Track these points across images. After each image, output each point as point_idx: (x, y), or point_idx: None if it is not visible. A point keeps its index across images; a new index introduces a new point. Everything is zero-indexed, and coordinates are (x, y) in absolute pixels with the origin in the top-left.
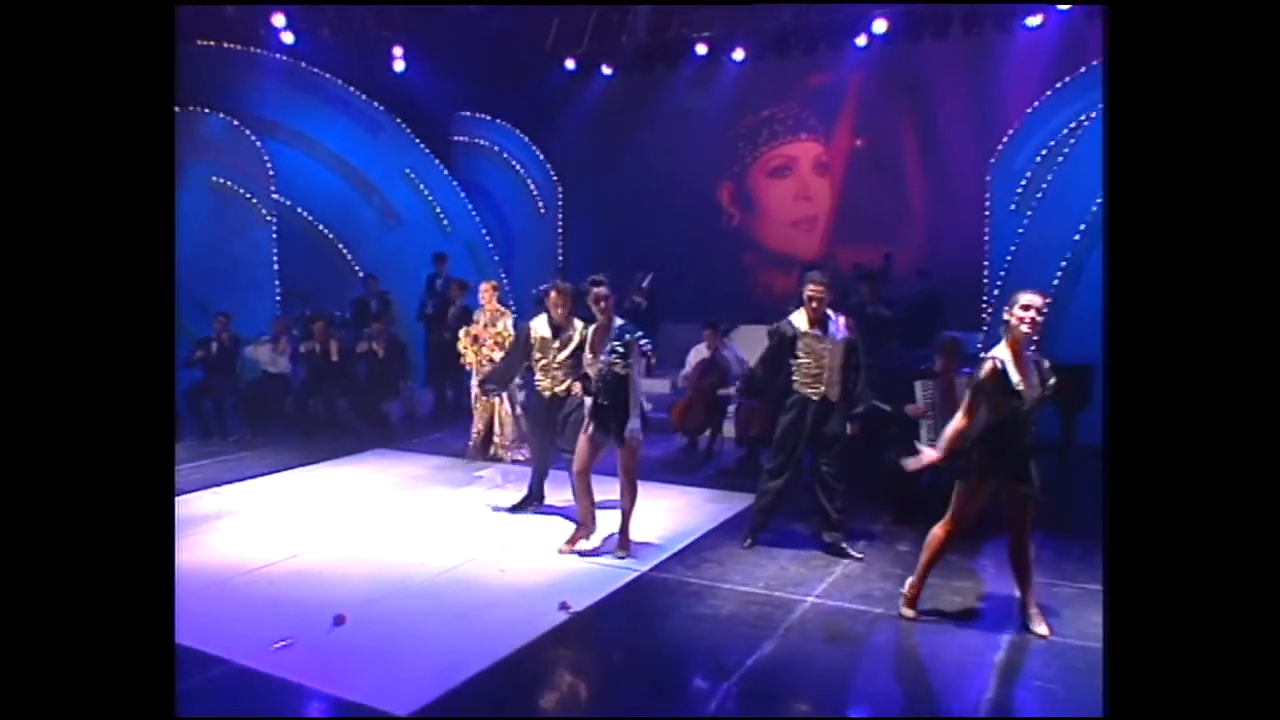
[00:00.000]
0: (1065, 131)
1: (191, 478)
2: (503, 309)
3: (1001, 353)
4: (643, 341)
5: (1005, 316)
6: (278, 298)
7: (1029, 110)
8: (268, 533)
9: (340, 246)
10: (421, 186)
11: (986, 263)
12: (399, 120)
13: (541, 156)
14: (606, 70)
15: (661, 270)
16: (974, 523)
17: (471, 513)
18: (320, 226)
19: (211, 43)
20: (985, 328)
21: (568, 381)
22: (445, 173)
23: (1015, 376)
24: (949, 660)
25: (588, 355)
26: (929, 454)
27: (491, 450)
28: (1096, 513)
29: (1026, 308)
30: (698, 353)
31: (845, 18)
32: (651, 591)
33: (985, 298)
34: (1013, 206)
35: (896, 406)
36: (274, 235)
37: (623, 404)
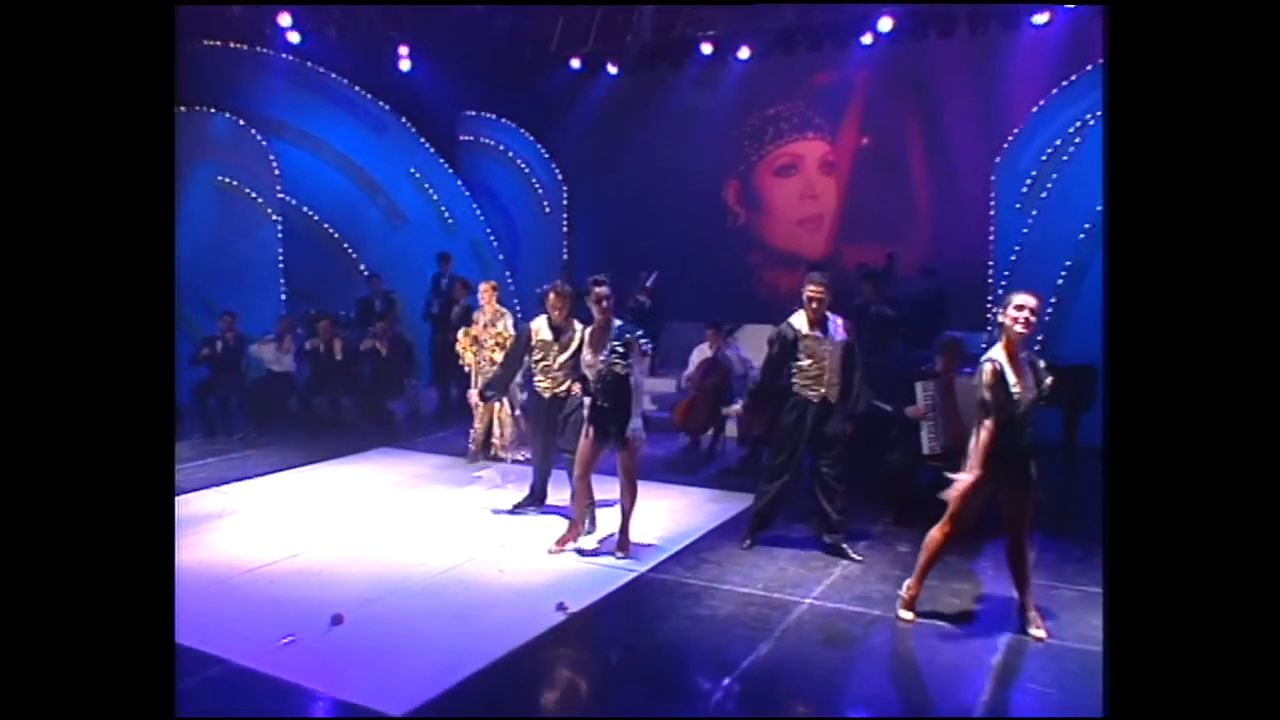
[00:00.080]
0: (1071, 130)
1: (196, 476)
2: (502, 309)
3: (997, 354)
4: (642, 341)
5: (1000, 318)
6: (283, 297)
7: (1034, 109)
8: (269, 532)
9: (345, 246)
10: (427, 186)
11: (991, 262)
12: (404, 120)
13: (546, 156)
14: (612, 69)
15: (666, 269)
16: (972, 525)
17: (472, 512)
18: (326, 226)
19: (218, 43)
20: (989, 328)
21: (568, 382)
22: (450, 172)
23: (1011, 378)
24: (945, 663)
25: (587, 355)
26: (966, 478)
27: (491, 451)
28: (1098, 515)
29: (1020, 308)
30: (700, 352)
31: (850, 16)
32: (649, 592)
33: (990, 297)
34: (1018, 206)
35: (898, 407)
36: (279, 234)
37: (622, 405)
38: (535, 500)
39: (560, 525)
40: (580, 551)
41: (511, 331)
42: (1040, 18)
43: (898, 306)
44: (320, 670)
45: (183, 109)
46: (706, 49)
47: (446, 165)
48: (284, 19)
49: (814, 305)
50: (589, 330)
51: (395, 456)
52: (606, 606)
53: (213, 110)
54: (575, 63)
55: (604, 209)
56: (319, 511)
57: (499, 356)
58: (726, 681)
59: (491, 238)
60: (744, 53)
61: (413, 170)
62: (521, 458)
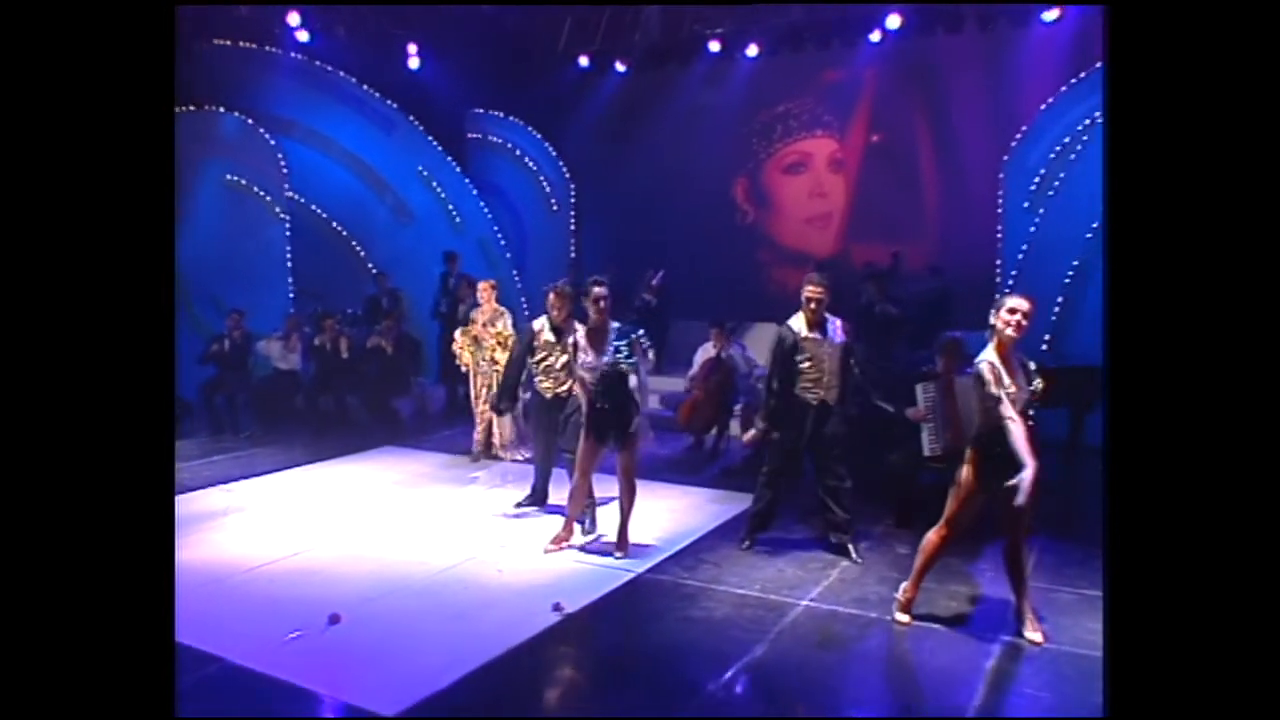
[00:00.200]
0: (1079, 128)
1: (202, 473)
2: (501, 308)
3: (990, 355)
4: (642, 341)
5: (992, 320)
6: (291, 295)
7: (1042, 106)
8: (272, 530)
9: (354, 244)
10: (434, 184)
11: (999, 261)
12: (412, 118)
13: (554, 154)
14: (620, 67)
15: (675, 267)
16: (969, 528)
17: (473, 512)
18: (334, 224)
19: (226, 42)
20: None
21: (569, 382)
22: (458, 170)
23: (1005, 380)
24: (939, 666)
25: (586, 357)
26: (1028, 476)
27: (491, 450)
28: (1100, 516)
29: (1013, 312)
30: (704, 352)
31: (858, 13)
32: (647, 593)
33: (997, 296)
34: (1025, 204)
35: (899, 408)
36: (288, 233)
37: (622, 406)
38: (537, 500)
39: (561, 525)
40: (580, 548)
41: (511, 330)
42: (1050, 14)
43: (902, 306)
44: (317, 669)
45: (191, 108)
46: (714, 47)
47: (454, 163)
48: (293, 18)
49: (813, 306)
50: (585, 331)
51: (400, 455)
52: (603, 607)
53: (221, 109)
54: (583, 61)
55: (612, 207)
56: (322, 510)
57: (499, 355)
58: (720, 683)
59: (499, 236)
60: (752, 50)
61: (420, 168)
62: (521, 457)
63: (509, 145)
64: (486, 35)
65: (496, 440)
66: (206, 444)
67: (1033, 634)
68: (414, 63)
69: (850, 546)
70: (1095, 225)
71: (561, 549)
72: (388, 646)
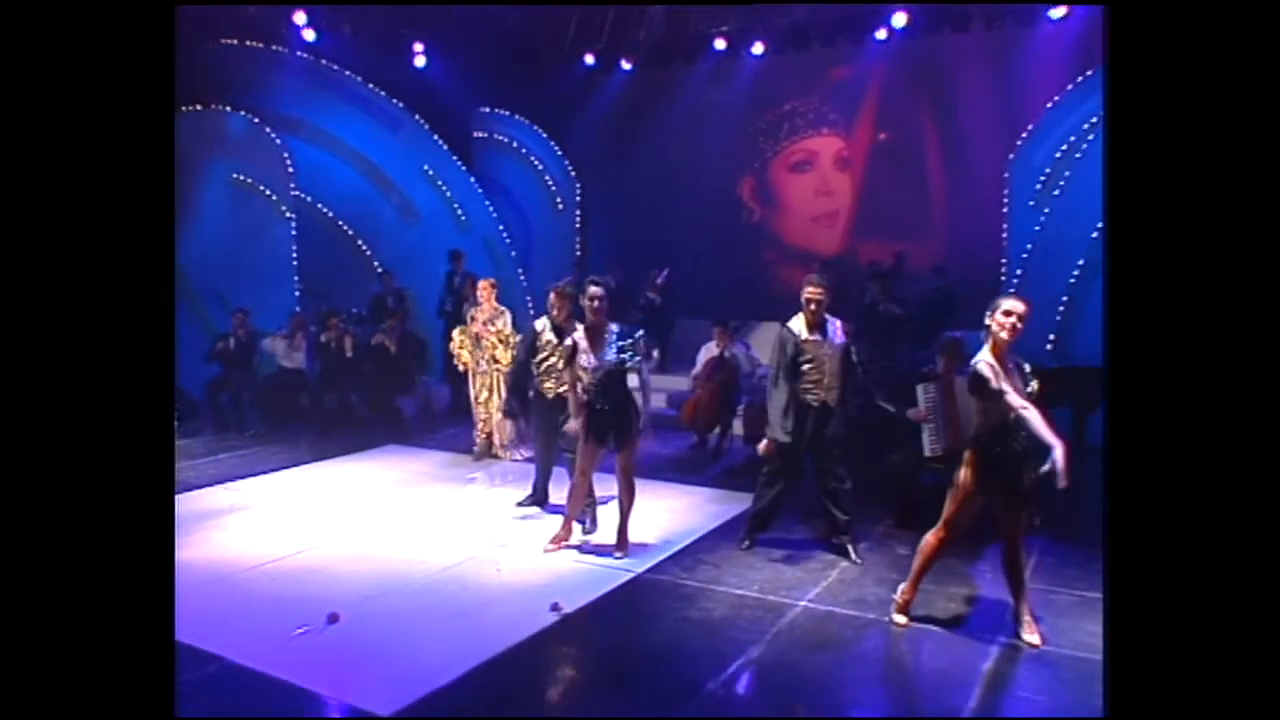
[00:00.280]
0: (1085, 127)
1: (207, 472)
2: (501, 307)
3: (985, 357)
4: (640, 342)
5: (987, 322)
6: (297, 293)
7: (1048, 105)
8: (274, 529)
9: (359, 243)
10: (440, 183)
11: (1004, 260)
12: (418, 117)
13: (560, 152)
14: (625, 65)
15: (680, 266)
16: (967, 530)
17: (473, 511)
18: (340, 223)
19: (233, 41)
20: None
21: None
22: (463, 169)
23: (1003, 382)
24: (935, 669)
25: (585, 358)
26: (1060, 457)
27: (492, 450)
28: (1101, 517)
29: (1009, 314)
30: (708, 351)
31: (864, 11)
32: (645, 593)
33: (999, 298)
34: (1031, 203)
35: (900, 408)
36: (293, 231)
37: (621, 406)
38: (538, 500)
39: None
40: (579, 547)
41: (510, 328)
42: (1057, 12)
43: (906, 305)
44: (314, 669)
45: (198, 107)
46: (720, 45)
47: (460, 162)
48: (299, 17)
49: (812, 308)
50: (584, 330)
51: (403, 454)
52: (601, 607)
53: (228, 108)
54: (589, 59)
55: (617, 206)
56: (324, 508)
57: (500, 354)
58: (716, 684)
59: (504, 235)
60: (758, 48)
61: (426, 167)
62: (520, 457)
63: (514, 144)
64: (492, 34)
65: (496, 440)
66: (212, 442)
67: (1030, 636)
68: (420, 61)
69: (850, 547)
70: (1100, 225)
71: (560, 548)
72: (387, 645)
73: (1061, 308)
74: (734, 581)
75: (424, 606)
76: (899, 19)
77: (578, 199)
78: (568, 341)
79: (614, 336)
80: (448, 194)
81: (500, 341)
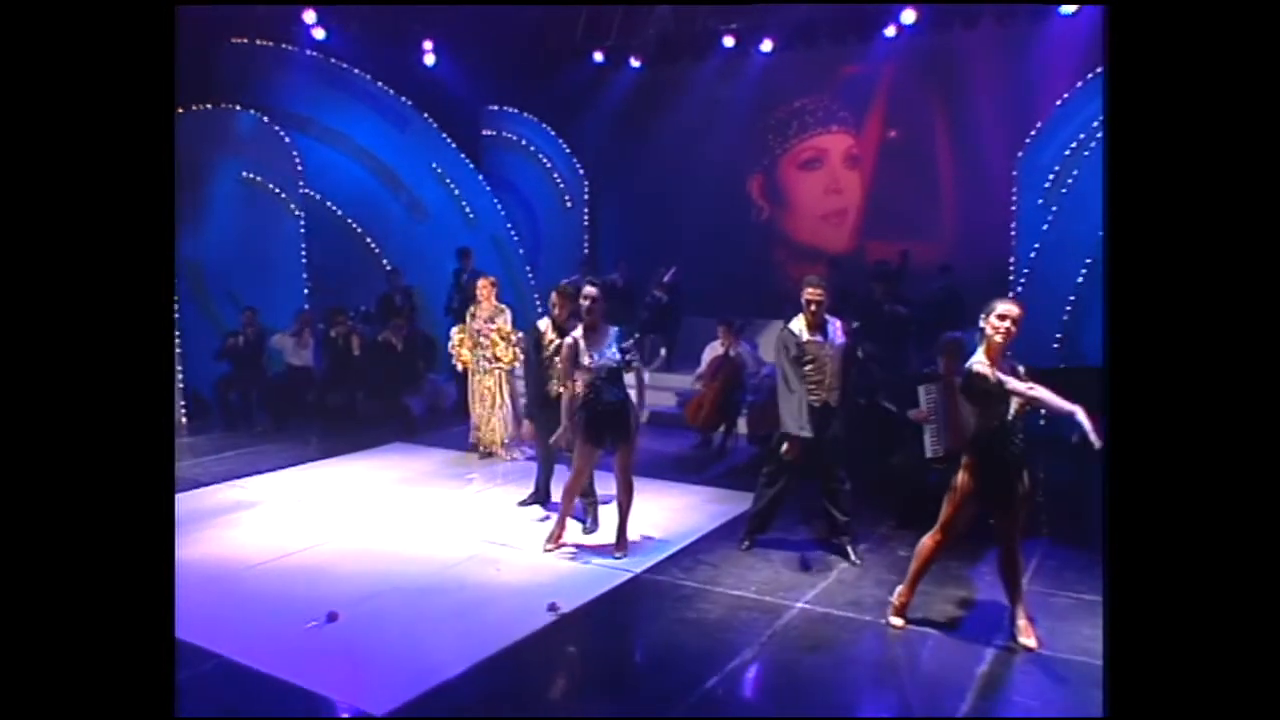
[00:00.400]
0: (1094, 125)
1: (214, 470)
2: (501, 305)
3: (980, 359)
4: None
5: (981, 325)
6: (306, 291)
7: (1057, 103)
8: (280, 526)
9: (368, 241)
10: (448, 181)
11: (1012, 259)
12: (427, 115)
13: (568, 150)
14: (634, 63)
15: (689, 264)
16: (965, 532)
17: (474, 510)
18: (348, 221)
19: (243, 40)
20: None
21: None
22: (472, 167)
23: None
24: (929, 671)
25: (584, 358)
26: (1085, 419)
27: (480, 447)
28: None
29: (1003, 318)
30: (712, 349)
31: (874, 8)
32: (643, 593)
33: (1010, 295)
34: (1040, 201)
35: (902, 409)
36: (302, 229)
37: (619, 406)
38: (539, 498)
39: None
40: (578, 545)
41: (511, 327)
42: (1068, 8)
43: (910, 305)
44: (314, 667)
45: (208, 106)
46: (729, 42)
47: (468, 160)
48: (308, 15)
49: (812, 308)
50: (579, 332)
51: (408, 452)
52: (598, 607)
53: (237, 107)
54: (598, 56)
55: (626, 203)
56: (328, 506)
57: (501, 352)
58: (710, 685)
59: (513, 232)
60: (767, 45)
61: (435, 165)
62: (519, 456)
63: (523, 142)
64: (501, 32)
65: (496, 439)
66: (220, 440)
67: (1027, 639)
68: (429, 59)
69: (849, 548)
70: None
71: (560, 547)
72: (386, 643)
73: (1068, 307)
74: (732, 582)
75: (424, 605)
76: (908, 15)
77: (586, 197)
78: (567, 341)
79: (613, 336)
80: (456, 192)
81: (501, 339)
